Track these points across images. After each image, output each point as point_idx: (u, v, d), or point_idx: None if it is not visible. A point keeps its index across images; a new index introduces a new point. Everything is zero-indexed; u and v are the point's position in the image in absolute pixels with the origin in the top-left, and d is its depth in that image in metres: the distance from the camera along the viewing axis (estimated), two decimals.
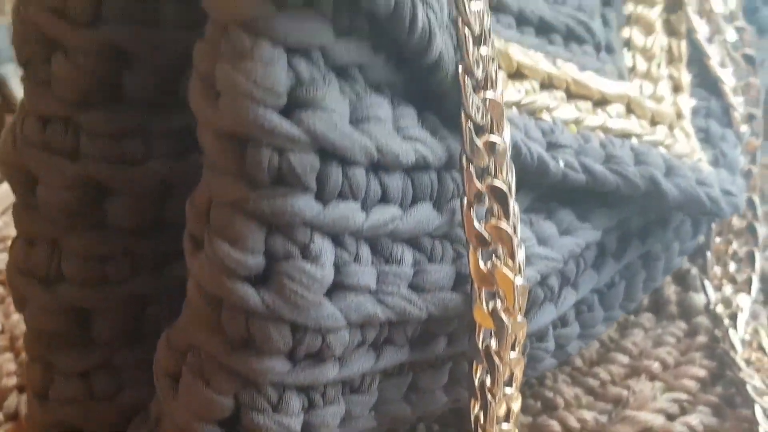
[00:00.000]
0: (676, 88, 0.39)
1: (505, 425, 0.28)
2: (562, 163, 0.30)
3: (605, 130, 0.33)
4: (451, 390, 0.29)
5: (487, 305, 0.26)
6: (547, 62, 0.33)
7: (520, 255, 0.26)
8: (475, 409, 0.27)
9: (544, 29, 0.34)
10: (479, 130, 0.25)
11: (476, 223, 0.26)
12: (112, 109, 0.25)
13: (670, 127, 0.37)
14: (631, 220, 0.35)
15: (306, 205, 0.22)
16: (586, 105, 0.34)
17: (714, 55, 0.40)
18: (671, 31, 0.41)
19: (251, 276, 0.22)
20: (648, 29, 0.40)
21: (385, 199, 0.24)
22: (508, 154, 0.26)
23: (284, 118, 0.21)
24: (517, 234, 0.26)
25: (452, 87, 0.25)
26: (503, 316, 0.26)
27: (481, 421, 0.27)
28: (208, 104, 0.22)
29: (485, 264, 0.26)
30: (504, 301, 0.26)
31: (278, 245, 0.22)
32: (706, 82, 0.40)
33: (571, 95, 0.33)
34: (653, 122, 0.36)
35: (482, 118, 0.25)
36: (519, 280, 0.26)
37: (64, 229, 0.26)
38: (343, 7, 0.22)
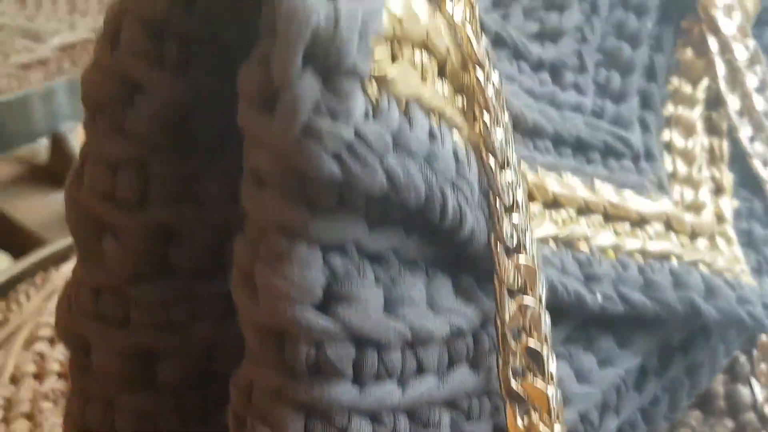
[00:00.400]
0: (718, 190, 0.39)
1: None
2: (599, 296, 0.31)
3: (644, 253, 0.33)
4: None
5: None
6: (583, 188, 0.33)
7: (558, 407, 0.27)
8: None
9: (581, 149, 0.35)
10: (513, 293, 0.26)
11: (513, 383, 0.26)
12: (159, 280, 0.26)
13: (711, 237, 0.37)
14: (673, 336, 0.35)
15: (343, 391, 0.23)
16: (624, 227, 0.34)
17: (757, 154, 0.40)
18: (712, 129, 0.41)
19: None
20: (689, 131, 0.40)
21: (421, 370, 0.25)
22: (543, 315, 0.26)
23: (320, 314, 0.22)
24: (554, 381, 0.27)
25: (486, 253, 0.26)
26: None
27: None
28: (248, 298, 0.23)
29: (522, 420, 0.26)
30: None
31: (317, 430, 0.23)
32: (749, 181, 0.40)
33: (608, 217, 0.34)
34: (693, 235, 0.36)
35: (516, 281, 0.26)
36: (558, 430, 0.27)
37: (117, 390, 0.27)
38: (375, 203, 0.22)
